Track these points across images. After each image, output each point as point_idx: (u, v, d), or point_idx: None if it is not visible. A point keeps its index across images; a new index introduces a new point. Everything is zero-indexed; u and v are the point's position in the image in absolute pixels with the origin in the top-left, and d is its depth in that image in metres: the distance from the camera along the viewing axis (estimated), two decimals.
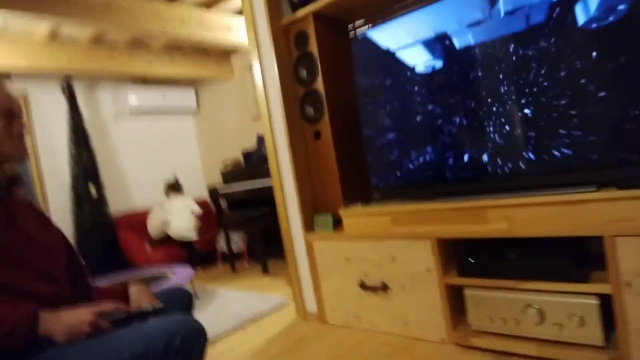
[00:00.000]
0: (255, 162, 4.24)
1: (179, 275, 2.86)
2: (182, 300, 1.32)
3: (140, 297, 1.22)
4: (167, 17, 3.25)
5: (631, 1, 1.36)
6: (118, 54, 4.15)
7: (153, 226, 4.15)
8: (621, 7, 1.38)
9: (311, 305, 2.36)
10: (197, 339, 1.04)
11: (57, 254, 1.20)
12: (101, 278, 3.18)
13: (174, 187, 4.36)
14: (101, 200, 4.25)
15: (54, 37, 3.69)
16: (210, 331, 2.36)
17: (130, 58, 4.24)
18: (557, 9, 1.50)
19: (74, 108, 4.25)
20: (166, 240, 4.11)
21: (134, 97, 4.76)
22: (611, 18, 1.40)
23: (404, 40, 1.90)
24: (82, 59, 3.99)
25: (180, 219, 4.08)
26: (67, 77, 4.25)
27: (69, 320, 0.99)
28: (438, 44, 1.80)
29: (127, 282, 1.30)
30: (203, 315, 2.72)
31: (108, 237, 4.17)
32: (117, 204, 4.54)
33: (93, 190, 4.16)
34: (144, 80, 5.01)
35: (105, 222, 4.22)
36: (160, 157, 5.08)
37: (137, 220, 4.40)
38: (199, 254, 4.27)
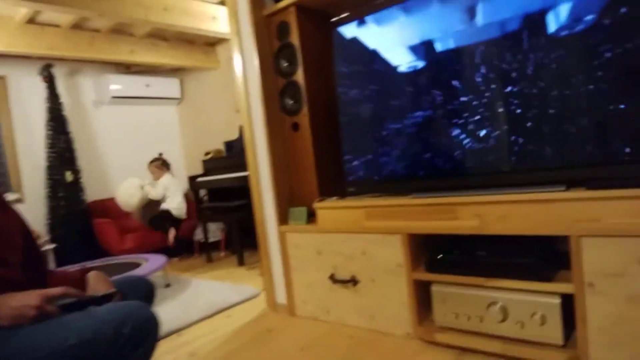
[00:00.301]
0: (237, 152, 4.22)
1: (152, 263, 2.83)
2: (143, 290, 1.29)
3: (96, 284, 1.20)
4: (149, 4, 3.20)
5: (597, 12, 1.38)
6: (100, 41, 4.09)
7: (129, 195, 4.24)
8: (588, 17, 1.39)
9: (281, 297, 2.35)
10: (149, 327, 1.02)
11: (12, 237, 1.16)
12: (74, 265, 3.13)
13: (168, 165, 4.47)
14: (77, 185, 4.18)
15: (34, 21, 3.63)
16: (179, 320, 2.37)
17: (113, 45, 4.19)
18: (532, 12, 1.51)
19: (53, 93, 4.19)
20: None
21: (116, 84, 4.71)
22: (580, 26, 1.42)
23: (385, 35, 1.90)
24: (62, 45, 3.93)
25: (180, 195, 4.30)
26: (48, 62, 4.17)
27: (14, 303, 0.96)
28: (418, 40, 1.80)
29: (86, 268, 1.27)
30: (174, 304, 2.69)
31: (83, 224, 4.11)
32: (93, 191, 4.49)
33: (69, 175, 4.10)
34: (128, 68, 4.94)
35: (80, 208, 4.16)
36: (140, 145, 5.03)
37: (114, 207, 4.35)
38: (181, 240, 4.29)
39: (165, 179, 4.33)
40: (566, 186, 1.49)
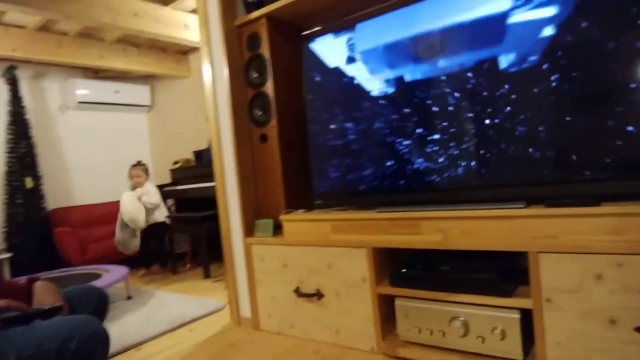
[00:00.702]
0: (206, 162, 4.16)
1: (112, 274, 2.74)
2: (95, 302, 1.24)
3: (43, 295, 1.14)
4: (119, 9, 3.15)
5: (540, 52, 1.43)
6: (67, 44, 4.00)
7: (137, 209, 3.82)
8: (534, 56, 1.44)
9: (246, 310, 2.31)
10: (98, 342, 0.97)
11: None
12: (31, 275, 3.00)
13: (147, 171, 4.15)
14: (37, 192, 4.04)
15: None
16: (138, 334, 2.29)
17: (81, 49, 4.10)
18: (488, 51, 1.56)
19: (15, 96, 4.06)
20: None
21: (84, 89, 4.60)
22: (528, 63, 1.47)
23: (354, 50, 1.92)
24: (27, 47, 3.83)
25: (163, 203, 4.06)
26: (12, 63, 4.04)
27: None
28: (387, 57, 1.83)
29: (33, 278, 1.22)
30: (134, 317, 2.61)
31: (42, 232, 3.96)
32: (55, 198, 4.34)
33: (29, 181, 3.95)
34: (96, 73, 4.84)
35: (39, 215, 4.01)
36: (107, 152, 4.91)
37: (75, 216, 4.22)
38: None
39: (151, 185, 4.04)
40: (526, 203, 1.52)
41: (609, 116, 1.38)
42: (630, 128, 1.35)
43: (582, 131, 1.43)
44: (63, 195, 4.48)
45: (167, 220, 4.00)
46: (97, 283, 2.53)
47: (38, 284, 1.18)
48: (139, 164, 4.08)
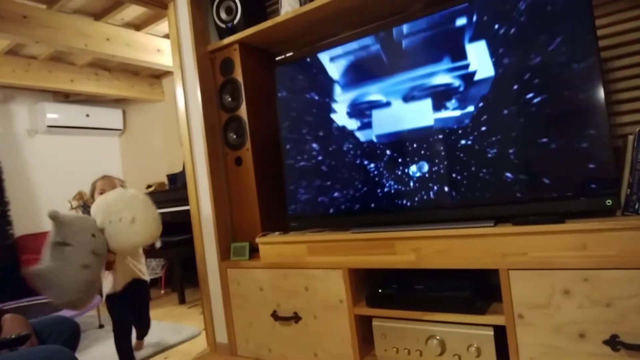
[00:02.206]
0: (180, 186, 4.12)
1: None
2: (66, 332, 1.22)
3: (13, 326, 1.11)
4: (90, 34, 3.14)
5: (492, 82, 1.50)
6: (36, 68, 3.94)
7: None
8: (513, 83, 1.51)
9: (222, 336, 2.27)
10: None
11: None
12: None
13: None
14: (4, 219, 3.91)
15: None
16: None
17: (51, 73, 4.05)
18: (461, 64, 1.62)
19: None
20: None
21: (53, 113, 4.52)
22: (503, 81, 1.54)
23: (326, 75, 1.96)
24: None
25: None
26: None
27: None
28: (357, 83, 1.87)
29: (2, 311, 1.18)
30: (106, 345, 2.53)
31: (9, 259, 3.82)
32: (23, 225, 4.21)
33: None
34: (67, 96, 4.77)
35: (7, 242, 3.88)
36: (78, 177, 4.79)
37: (43, 243, 4.08)
38: None
39: None
40: (495, 222, 1.57)
41: (570, 137, 1.45)
42: (585, 146, 1.42)
43: (546, 152, 1.49)
44: (31, 221, 4.35)
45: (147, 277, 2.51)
46: (67, 312, 2.45)
47: (6, 317, 1.14)
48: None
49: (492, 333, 1.52)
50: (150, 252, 3.90)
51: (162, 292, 4.06)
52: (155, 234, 2.06)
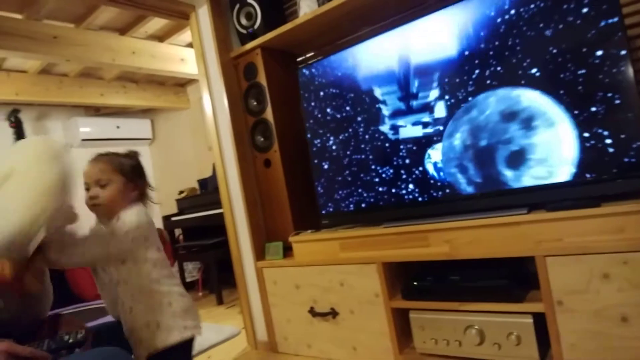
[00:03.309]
0: (211, 190, 4.21)
1: None
2: (121, 335, 1.28)
3: (72, 329, 1.18)
4: (117, 49, 3.24)
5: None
6: (68, 85, 4.09)
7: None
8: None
9: (262, 334, 2.33)
10: None
11: None
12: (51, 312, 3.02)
13: None
14: None
15: None
16: None
17: (81, 88, 4.19)
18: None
19: (20, 137, 4.13)
20: None
21: (86, 127, 4.68)
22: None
23: (348, 72, 1.98)
24: (30, 90, 3.92)
25: None
26: (15, 107, 4.14)
27: None
28: (381, 74, 1.89)
29: (56, 315, 1.25)
30: None
31: (53, 268, 3.99)
32: None
33: None
34: (97, 110, 4.93)
35: None
36: None
37: None
38: None
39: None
40: (528, 209, 1.56)
41: (606, 118, 1.43)
42: (621, 127, 1.39)
43: (578, 135, 1.47)
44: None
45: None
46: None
47: (63, 318, 1.21)
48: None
49: (531, 321, 1.51)
50: (186, 256, 4.01)
51: (200, 294, 4.17)
52: (41, 213, 1.09)
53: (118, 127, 4.92)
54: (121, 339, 1.26)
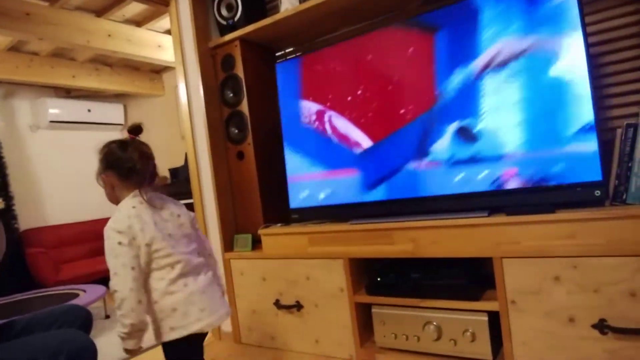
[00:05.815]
0: (182, 180, 4.17)
1: (90, 294, 2.73)
2: (80, 318, 1.28)
3: None
4: (92, 30, 3.18)
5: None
6: (38, 64, 3.99)
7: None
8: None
9: (226, 325, 2.34)
10: (86, 355, 1.02)
11: None
12: (3, 297, 2.95)
13: None
14: (8, 213, 3.97)
15: None
16: (118, 353, 2.28)
17: (52, 69, 4.09)
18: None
19: None
20: None
21: (55, 108, 4.56)
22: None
23: (326, 68, 2.01)
24: None
25: None
26: None
27: None
28: (357, 73, 1.92)
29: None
30: (113, 335, 2.59)
31: (14, 253, 3.89)
32: (27, 219, 4.27)
33: (0, 202, 3.90)
34: (68, 92, 4.81)
35: (11, 236, 3.94)
36: (80, 171, 4.85)
37: (48, 236, 4.16)
38: None
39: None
40: (489, 212, 1.63)
41: (561, 130, 1.50)
42: (575, 139, 1.47)
43: (537, 145, 1.54)
44: (35, 215, 4.41)
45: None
46: (75, 302, 2.52)
47: None
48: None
49: (486, 318, 1.59)
50: None
51: None
52: None
53: (89, 110, 4.82)
54: (79, 323, 1.26)
